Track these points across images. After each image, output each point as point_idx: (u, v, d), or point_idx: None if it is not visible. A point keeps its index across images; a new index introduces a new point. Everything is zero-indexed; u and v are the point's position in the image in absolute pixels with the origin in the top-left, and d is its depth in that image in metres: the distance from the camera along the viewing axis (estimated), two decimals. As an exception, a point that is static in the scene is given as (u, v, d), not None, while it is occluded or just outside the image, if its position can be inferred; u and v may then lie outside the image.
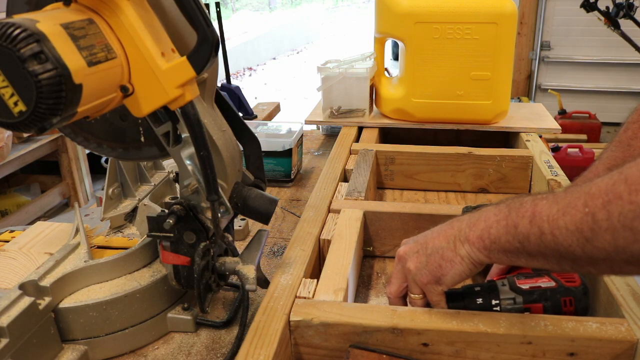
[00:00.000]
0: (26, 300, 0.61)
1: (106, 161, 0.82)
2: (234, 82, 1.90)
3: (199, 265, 0.66)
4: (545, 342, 0.60)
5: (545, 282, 0.67)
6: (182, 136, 0.63)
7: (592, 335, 0.59)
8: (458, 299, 0.67)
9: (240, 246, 0.87)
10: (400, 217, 0.90)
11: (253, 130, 0.77)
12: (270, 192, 1.20)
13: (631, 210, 0.44)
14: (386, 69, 1.45)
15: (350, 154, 1.19)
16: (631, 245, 0.45)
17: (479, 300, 0.67)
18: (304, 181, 1.28)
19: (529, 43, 4.37)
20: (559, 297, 0.66)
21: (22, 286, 0.63)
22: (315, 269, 0.81)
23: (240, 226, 1.00)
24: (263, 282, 0.72)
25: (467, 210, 0.86)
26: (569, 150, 3.24)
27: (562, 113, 3.96)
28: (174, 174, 0.72)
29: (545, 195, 0.54)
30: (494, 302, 0.67)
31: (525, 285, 0.67)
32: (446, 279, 0.62)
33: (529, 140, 1.24)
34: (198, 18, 0.54)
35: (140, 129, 0.67)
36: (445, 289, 0.63)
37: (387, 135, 1.43)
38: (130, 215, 0.85)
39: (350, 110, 1.40)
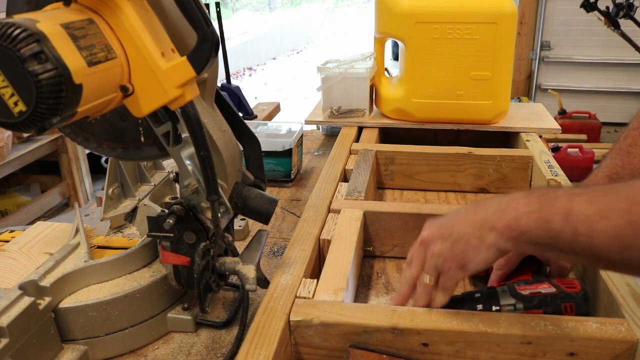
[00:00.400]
0: (26, 300, 0.61)
1: (106, 161, 0.82)
2: (234, 82, 1.90)
3: (199, 265, 0.66)
4: (545, 342, 0.60)
5: (545, 288, 0.67)
6: (182, 136, 0.63)
7: (592, 335, 0.59)
8: (458, 305, 0.67)
9: (240, 246, 0.87)
10: (400, 217, 0.90)
11: (253, 130, 0.77)
12: (270, 192, 1.20)
13: None
14: (386, 69, 1.45)
15: (350, 154, 1.19)
16: None
17: (479, 307, 0.67)
18: (304, 181, 1.28)
19: (529, 43, 4.37)
20: (560, 303, 0.66)
21: (22, 286, 0.63)
22: (315, 269, 0.81)
23: (240, 226, 1.00)
24: (263, 282, 0.72)
25: None
26: (569, 150, 3.24)
27: (562, 113, 3.96)
28: (174, 174, 0.72)
29: (582, 191, 0.53)
30: (494, 308, 0.66)
31: (525, 291, 0.67)
32: (470, 266, 0.61)
33: (529, 140, 1.24)
34: (198, 18, 0.54)
35: (140, 129, 0.67)
36: (469, 274, 0.63)
37: (387, 135, 1.43)
38: (130, 215, 0.85)
39: (350, 110, 1.40)
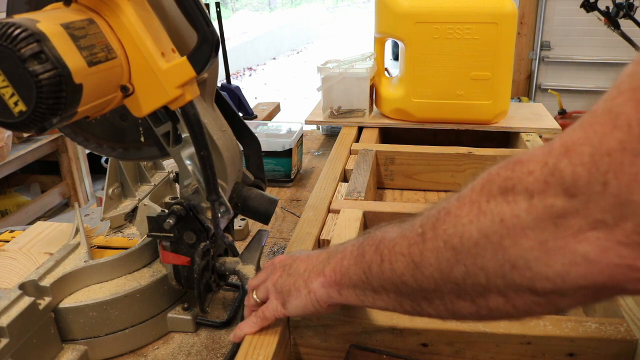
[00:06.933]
0: (26, 300, 0.61)
1: (106, 161, 0.83)
2: (234, 82, 1.90)
3: (199, 265, 0.66)
4: (545, 342, 0.60)
5: None
6: (182, 136, 0.63)
7: (592, 336, 0.60)
8: None
9: (240, 246, 0.87)
10: (400, 217, 0.90)
11: (253, 130, 0.77)
12: (270, 192, 1.20)
13: (454, 226, 0.41)
14: (386, 69, 1.45)
15: (350, 154, 1.19)
16: (454, 268, 0.41)
17: None
18: (304, 181, 1.28)
19: (529, 43, 4.37)
20: None
21: (22, 286, 0.63)
22: (315, 269, 0.81)
23: (240, 226, 1.00)
24: (263, 282, 0.72)
25: None
26: (569, 150, 3.22)
27: (562, 113, 3.96)
28: (174, 174, 0.72)
29: (399, 221, 0.50)
30: None
31: None
32: (289, 306, 0.59)
33: (529, 140, 1.24)
34: (198, 18, 0.54)
35: (140, 129, 0.67)
36: (288, 315, 0.60)
37: (387, 135, 1.43)
38: (130, 215, 0.85)
39: (350, 110, 1.40)
